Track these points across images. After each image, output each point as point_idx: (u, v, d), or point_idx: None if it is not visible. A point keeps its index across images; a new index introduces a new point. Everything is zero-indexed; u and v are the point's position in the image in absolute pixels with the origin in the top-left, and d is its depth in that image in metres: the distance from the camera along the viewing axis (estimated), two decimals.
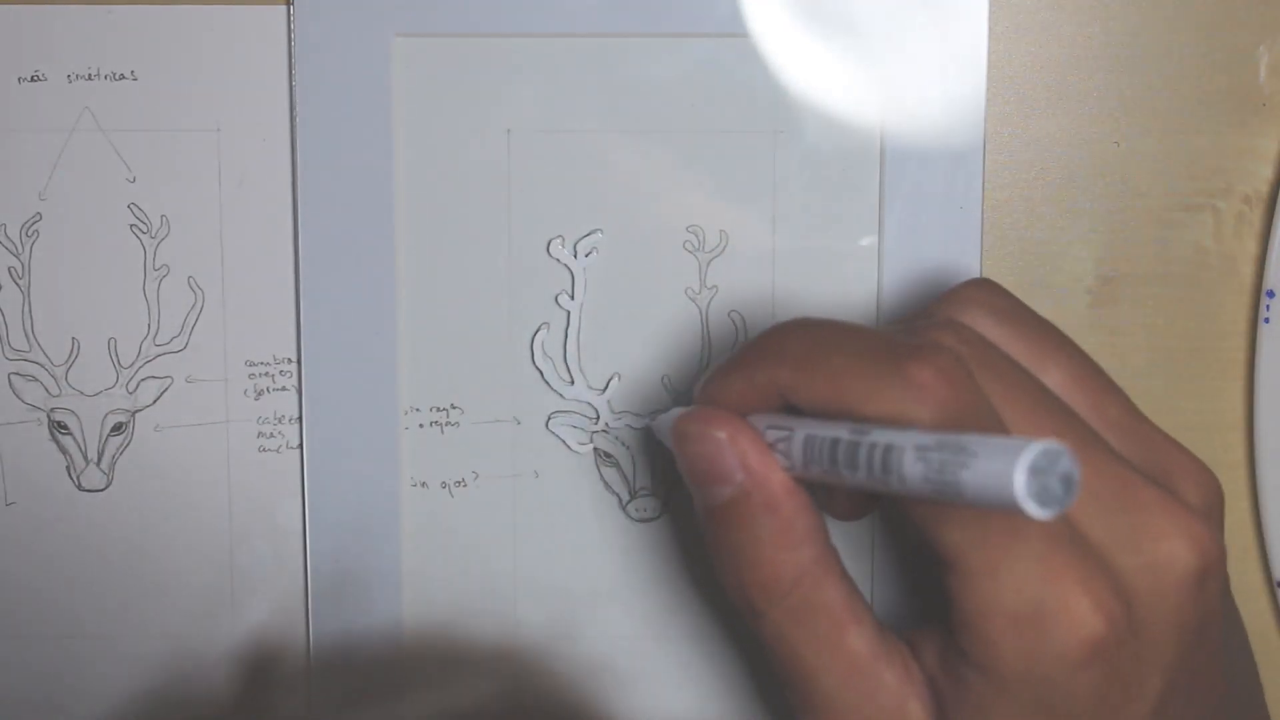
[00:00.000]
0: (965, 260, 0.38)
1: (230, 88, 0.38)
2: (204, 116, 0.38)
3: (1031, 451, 0.22)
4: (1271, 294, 0.39)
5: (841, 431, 0.27)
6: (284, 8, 0.38)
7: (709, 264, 0.39)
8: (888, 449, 0.25)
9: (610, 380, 0.39)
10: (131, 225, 0.39)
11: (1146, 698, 0.28)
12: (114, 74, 0.38)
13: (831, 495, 0.31)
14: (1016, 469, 0.22)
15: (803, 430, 0.28)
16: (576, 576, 0.40)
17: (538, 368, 0.39)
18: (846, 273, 0.39)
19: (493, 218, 0.39)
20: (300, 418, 0.39)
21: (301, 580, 0.39)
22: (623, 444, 0.39)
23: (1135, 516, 0.27)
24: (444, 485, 0.39)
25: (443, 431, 0.39)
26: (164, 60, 0.38)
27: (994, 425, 0.27)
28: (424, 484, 0.39)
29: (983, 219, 0.38)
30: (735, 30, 0.38)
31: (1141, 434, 0.30)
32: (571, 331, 0.39)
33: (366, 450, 0.39)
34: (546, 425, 0.39)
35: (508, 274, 0.39)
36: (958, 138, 0.38)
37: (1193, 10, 0.39)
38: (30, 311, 0.39)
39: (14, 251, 0.39)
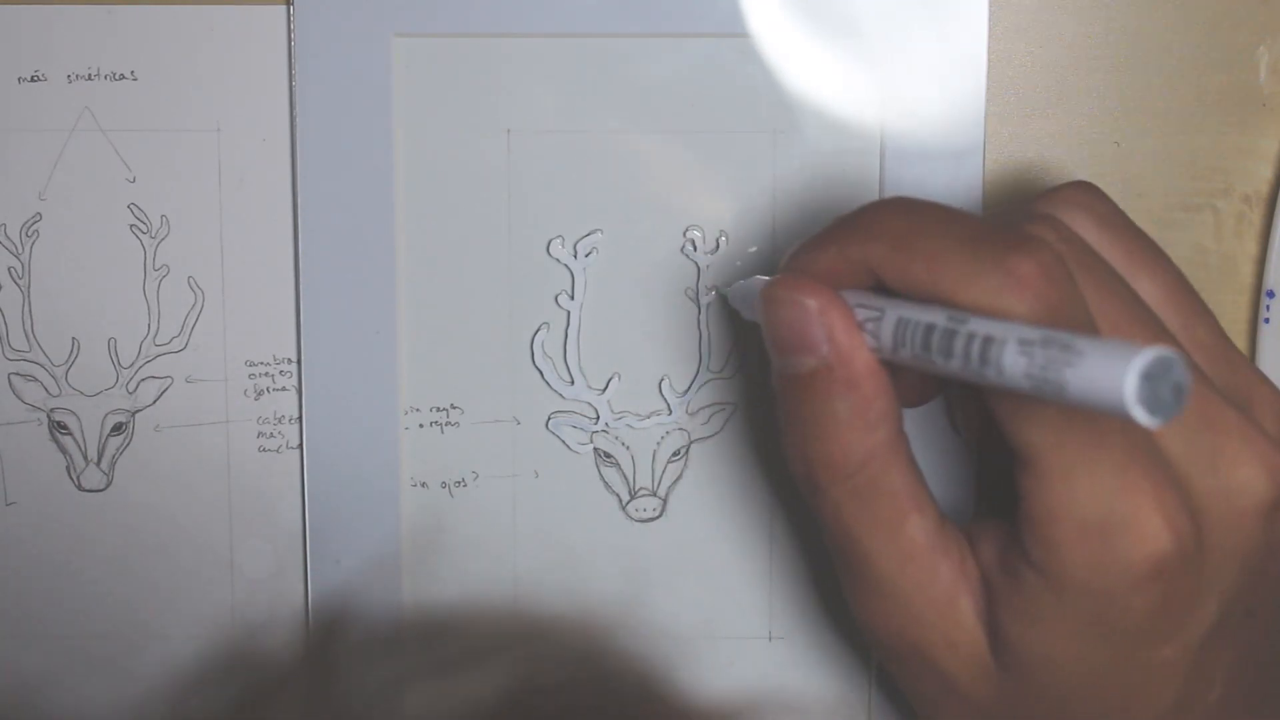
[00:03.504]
0: None
1: (230, 88, 0.38)
2: (204, 116, 0.38)
3: (1146, 356, 0.21)
4: (1271, 294, 0.39)
5: (938, 317, 0.26)
6: (284, 8, 0.38)
7: (709, 264, 0.39)
8: (988, 340, 0.24)
9: (610, 380, 0.39)
10: (131, 225, 0.39)
11: (1200, 624, 0.27)
12: (114, 74, 0.38)
13: (895, 380, 0.30)
14: (1129, 372, 0.21)
15: (895, 312, 0.27)
16: (576, 577, 0.40)
17: (538, 368, 0.39)
18: None
19: (493, 218, 0.39)
20: (300, 418, 0.39)
21: (302, 580, 0.39)
22: (623, 444, 0.39)
23: (1216, 439, 0.27)
24: (444, 485, 0.39)
25: (443, 431, 0.39)
26: (164, 60, 0.38)
27: (1088, 328, 0.26)
28: (424, 484, 0.39)
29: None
30: (735, 30, 0.38)
31: (1227, 358, 0.30)
32: (571, 331, 0.39)
33: (366, 450, 0.39)
34: (546, 425, 0.39)
35: (508, 274, 0.39)
36: (958, 138, 0.38)
37: (1193, 10, 0.39)
38: (30, 311, 0.39)
39: (14, 251, 0.39)
